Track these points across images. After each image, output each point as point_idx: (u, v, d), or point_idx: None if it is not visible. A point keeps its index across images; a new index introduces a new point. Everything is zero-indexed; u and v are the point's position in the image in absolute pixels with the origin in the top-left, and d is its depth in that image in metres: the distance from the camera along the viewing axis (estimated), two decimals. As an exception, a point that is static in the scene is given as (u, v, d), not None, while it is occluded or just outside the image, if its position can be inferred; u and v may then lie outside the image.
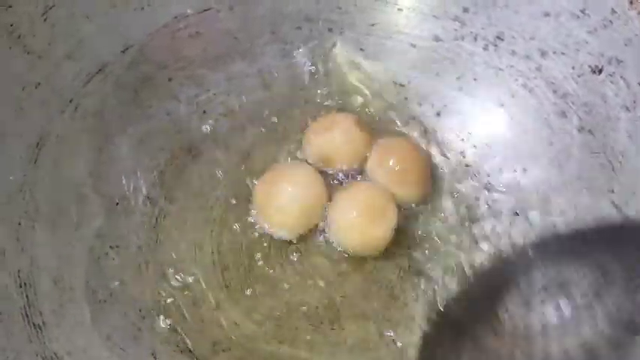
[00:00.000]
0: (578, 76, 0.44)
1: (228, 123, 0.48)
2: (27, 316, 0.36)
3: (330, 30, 0.49)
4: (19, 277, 0.37)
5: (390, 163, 0.45)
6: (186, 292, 0.42)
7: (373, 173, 0.46)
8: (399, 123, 0.49)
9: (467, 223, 0.46)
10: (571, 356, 0.32)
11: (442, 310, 0.41)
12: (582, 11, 0.44)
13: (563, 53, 0.45)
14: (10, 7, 0.39)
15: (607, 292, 0.34)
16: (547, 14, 0.45)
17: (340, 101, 0.49)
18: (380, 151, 0.46)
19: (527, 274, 0.39)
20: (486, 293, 0.40)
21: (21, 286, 0.37)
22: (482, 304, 0.39)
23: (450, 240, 0.45)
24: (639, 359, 0.31)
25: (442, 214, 0.46)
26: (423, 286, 0.43)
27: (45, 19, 0.41)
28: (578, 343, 0.32)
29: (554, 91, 0.45)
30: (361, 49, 0.50)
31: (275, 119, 0.49)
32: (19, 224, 0.38)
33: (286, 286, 0.43)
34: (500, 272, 0.40)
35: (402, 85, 0.50)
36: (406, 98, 0.49)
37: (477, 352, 0.35)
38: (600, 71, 0.43)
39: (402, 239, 0.44)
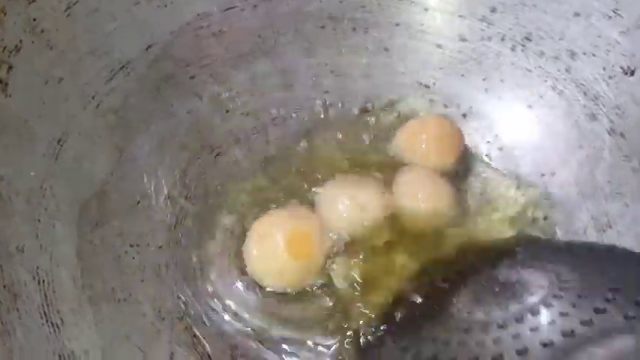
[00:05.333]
0: (609, 78, 0.43)
1: (250, 122, 0.47)
2: (45, 314, 0.36)
3: (354, 29, 0.49)
4: (37, 274, 0.37)
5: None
6: (205, 295, 0.41)
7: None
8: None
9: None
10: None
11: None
12: (614, 11, 0.43)
13: (593, 54, 0.44)
14: (34, 1, 0.39)
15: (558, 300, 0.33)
16: (577, 14, 0.44)
17: (364, 102, 0.48)
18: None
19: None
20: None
21: (39, 284, 0.36)
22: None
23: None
24: None
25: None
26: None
27: (68, 15, 0.40)
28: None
29: (584, 93, 0.44)
30: (385, 49, 0.49)
31: (298, 119, 0.48)
32: (39, 221, 0.38)
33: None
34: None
35: (427, 87, 0.49)
36: (431, 99, 0.49)
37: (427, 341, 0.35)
38: (632, 72, 0.42)
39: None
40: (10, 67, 0.38)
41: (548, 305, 0.33)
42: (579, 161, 0.44)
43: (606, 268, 0.36)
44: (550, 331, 0.31)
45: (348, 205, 0.42)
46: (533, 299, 0.34)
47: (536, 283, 0.35)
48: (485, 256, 0.40)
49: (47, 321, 0.36)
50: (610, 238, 0.42)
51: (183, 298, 0.41)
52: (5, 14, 0.37)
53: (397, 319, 0.38)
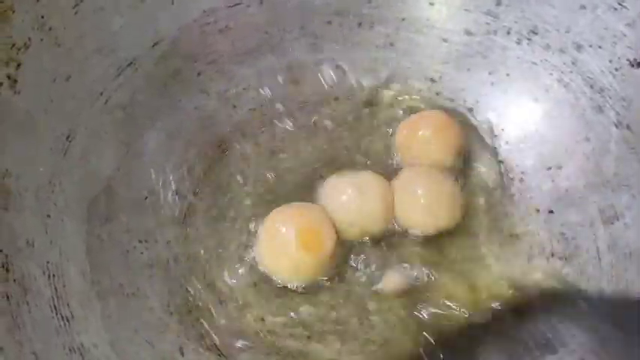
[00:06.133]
0: (616, 70, 0.43)
1: (257, 118, 0.47)
2: (55, 307, 0.36)
3: (359, 24, 0.49)
4: (47, 268, 0.37)
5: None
6: (213, 290, 0.42)
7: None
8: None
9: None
10: None
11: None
12: (620, 3, 0.43)
13: (599, 47, 0.44)
14: (42, -1, 0.39)
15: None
16: (583, 7, 0.44)
17: (370, 96, 0.48)
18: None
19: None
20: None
21: (49, 278, 0.37)
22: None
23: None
24: None
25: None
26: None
27: (76, 13, 0.41)
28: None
29: (591, 86, 0.44)
30: (391, 44, 0.49)
31: (304, 114, 0.48)
32: (49, 216, 0.38)
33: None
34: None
35: (433, 81, 0.49)
36: (437, 94, 0.49)
37: None
38: (639, 64, 0.42)
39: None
40: (19, 65, 0.38)
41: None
42: (586, 154, 0.44)
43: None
44: None
45: (352, 197, 0.42)
46: (570, 357, 0.33)
47: (575, 340, 0.34)
48: (516, 308, 0.39)
49: (57, 314, 0.36)
50: (617, 230, 0.41)
51: (191, 291, 0.41)
52: (14, 12, 0.38)
53: None
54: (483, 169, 0.47)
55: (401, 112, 0.48)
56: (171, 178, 0.44)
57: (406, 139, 0.46)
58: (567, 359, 0.35)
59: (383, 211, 0.42)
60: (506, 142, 0.47)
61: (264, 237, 0.42)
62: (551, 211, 0.44)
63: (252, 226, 0.44)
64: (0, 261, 0.35)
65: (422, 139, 0.45)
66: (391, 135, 0.47)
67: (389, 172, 0.45)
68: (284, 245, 0.40)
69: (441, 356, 0.37)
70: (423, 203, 0.43)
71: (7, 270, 0.35)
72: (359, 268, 0.42)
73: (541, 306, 0.39)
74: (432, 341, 0.38)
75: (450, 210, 0.43)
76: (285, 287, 0.42)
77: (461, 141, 0.45)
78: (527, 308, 0.39)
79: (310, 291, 0.42)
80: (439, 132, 0.45)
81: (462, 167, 0.46)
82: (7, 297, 0.34)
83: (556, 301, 0.38)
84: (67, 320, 0.36)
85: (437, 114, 0.46)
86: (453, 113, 0.47)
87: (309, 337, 0.40)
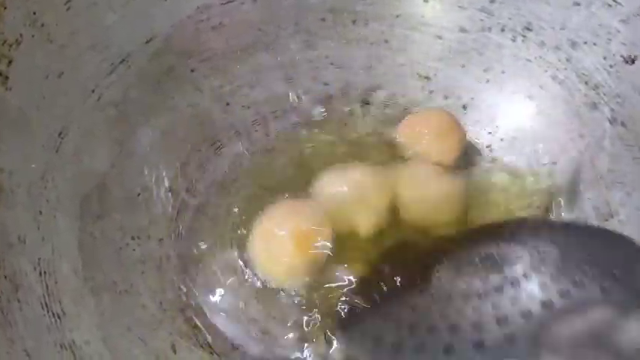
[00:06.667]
0: (610, 67, 0.43)
1: (251, 115, 0.47)
2: (46, 305, 0.36)
3: (354, 22, 0.49)
4: (39, 265, 0.37)
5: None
6: (206, 287, 0.41)
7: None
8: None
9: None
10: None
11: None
12: (614, 0, 0.42)
13: (594, 43, 0.44)
14: (34, -5, 0.39)
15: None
16: (577, 4, 0.44)
17: (365, 94, 0.48)
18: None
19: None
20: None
21: (41, 275, 0.37)
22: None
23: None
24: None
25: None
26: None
27: (68, 9, 0.41)
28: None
29: (585, 83, 0.44)
30: (386, 41, 0.49)
31: (299, 112, 0.48)
32: (40, 213, 0.38)
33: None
34: None
35: (427, 78, 0.49)
36: (431, 91, 0.49)
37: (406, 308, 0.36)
38: (633, 61, 0.42)
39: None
40: (11, 61, 0.38)
41: (527, 277, 0.35)
42: (580, 150, 0.44)
43: (584, 243, 0.38)
44: (529, 302, 0.33)
45: (347, 193, 0.42)
46: (512, 271, 0.35)
47: (516, 257, 0.36)
48: (468, 233, 0.42)
49: (48, 312, 0.36)
50: (612, 226, 0.41)
51: (184, 289, 0.41)
52: (5, 8, 0.38)
53: (379, 288, 0.39)
54: (478, 165, 0.46)
55: (395, 109, 0.48)
56: (164, 175, 0.44)
57: (407, 138, 0.45)
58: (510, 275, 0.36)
59: (379, 204, 0.42)
60: (501, 139, 0.47)
61: (257, 237, 0.41)
62: (546, 209, 0.44)
63: (245, 224, 0.43)
64: (-9, 257, 0.35)
65: (425, 138, 0.45)
66: (386, 132, 0.47)
67: (386, 169, 0.45)
68: (277, 247, 0.40)
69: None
70: (426, 201, 0.43)
71: (-1, 266, 0.35)
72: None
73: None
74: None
75: (451, 207, 0.43)
76: (277, 285, 0.41)
77: (463, 141, 0.45)
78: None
79: (304, 291, 0.41)
80: (443, 131, 0.45)
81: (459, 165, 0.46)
82: (-2, 294, 0.34)
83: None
84: (59, 317, 0.36)
85: (439, 113, 0.46)
86: (447, 110, 0.47)
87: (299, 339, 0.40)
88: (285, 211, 0.42)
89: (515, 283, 0.35)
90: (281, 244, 0.40)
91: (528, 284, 0.34)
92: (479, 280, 0.36)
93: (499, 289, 0.34)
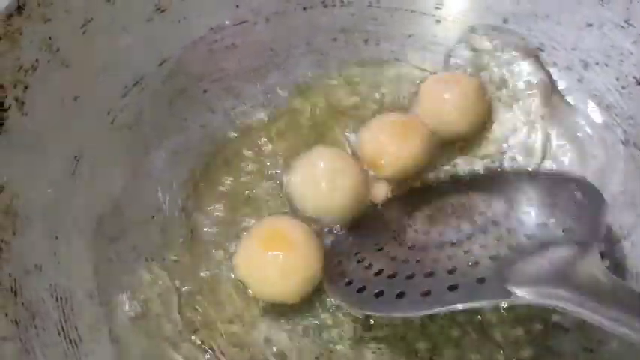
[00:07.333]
0: (622, 88, 0.43)
1: (263, 135, 0.47)
2: (63, 331, 0.36)
3: (365, 41, 0.49)
4: (55, 291, 0.37)
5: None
6: (221, 308, 0.42)
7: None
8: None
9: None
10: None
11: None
12: (626, 22, 0.43)
13: (606, 64, 0.44)
14: (50, 20, 0.39)
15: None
16: (590, 25, 0.44)
17: (377, 113, 0.48)
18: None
19: None
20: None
21: (57, 301, 0.37)
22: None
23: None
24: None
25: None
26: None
27: (84, 32, 0.41)
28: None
29: (598, 104, 0.44)
30: (397, 60, 0.49)
31: (311, 131, 0.48)
32: (57, 238, 0.38)
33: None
34: None
35: (439, 97, 0.49)
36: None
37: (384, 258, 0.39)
38: (646, 82, 0.42)
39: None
40: (27, 87, 0.38)
41: (495, 224, 0.38)
42: (593, 172, 0.44)
43: (548, 188, 0.40)
44: (497, 246, 0.36)
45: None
46: (482, 219, 0.38)
47: (485, 205, 0.40)
48: (440, 184, 0.45)
49: (65, 338, 0.36)
50: (625, 249, 0.41)
51: (200, 310, 0.41)
52: (21, 34, 0.38)
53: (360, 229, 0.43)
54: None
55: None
56: (177, 196, 0.44)
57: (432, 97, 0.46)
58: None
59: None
60: (512, 158, 0.47)
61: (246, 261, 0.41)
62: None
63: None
64: (9, 284, 0.35)
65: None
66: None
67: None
68: (266, 270, 0.39)
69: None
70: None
71: (16, 294, 0.35)
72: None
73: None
74: None
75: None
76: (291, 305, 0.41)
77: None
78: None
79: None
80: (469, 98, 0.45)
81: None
82: (16, 322, 0.34)
83: None
84: (76, 343, 0.36)
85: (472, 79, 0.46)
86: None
87: (317, 357, 0.40)
88: (269, 233, 0.41)
89: (484, 229, 0.37)
90: (267, 265, 0.39)
91: (497, 229, 0.37)
92: (452, 229, 0.39)
93: (470, 237, 0.37)
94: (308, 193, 0.42)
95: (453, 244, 0.37)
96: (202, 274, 0.43)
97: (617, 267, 0.41)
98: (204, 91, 0.47)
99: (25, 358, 0.34)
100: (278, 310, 0.41)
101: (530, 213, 0.38)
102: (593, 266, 0.32)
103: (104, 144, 0.42)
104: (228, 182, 0.46)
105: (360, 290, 0.37)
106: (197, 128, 0.46)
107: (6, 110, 0.37)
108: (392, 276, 0.36)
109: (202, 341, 0.40)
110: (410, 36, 0.48)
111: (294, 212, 0.43)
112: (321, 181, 0.41)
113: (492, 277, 0.33)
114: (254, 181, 0.46)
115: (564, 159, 0.45)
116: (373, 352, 0.40)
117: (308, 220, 0.42)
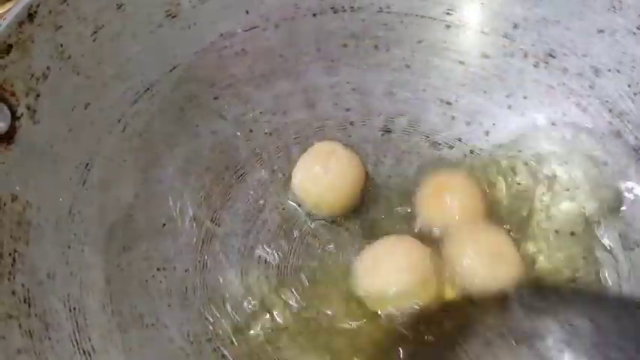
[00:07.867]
0: (635, 95, 0.43)
1: (273, 142, 0.47)
2: (77, 342, 0.36)
3: (376, 47, 0.48)
4: (68, 301, 0.37)
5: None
6: (233, 318, 0.41)
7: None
8: (446, 143, 0.48)
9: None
10: None
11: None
12: (639, 28, 0.42)
13: (618, 71, 0.44)
14: (61, 27, 0.39)
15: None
16: (601, 31, 0.44)
17: (386, 121, 0.48)
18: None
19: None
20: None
21: (70, 311, 0.37)
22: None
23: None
24: None
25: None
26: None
27: (94, 40, 0.41)
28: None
29: (609, 110, 0.44)
30: (407, 66, 0.49)
31: (320, 138, 0.48)
32: (69, 247, 0.38)
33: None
34: None
35: (449, 103, 0.49)
36: (453, 117, 0.48)
37: None
38: (658, 90, 0.42)
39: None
40: (38, 95, 0.38)
41: (560, 351, 0.34)
42: (604, 179, 0.44)
43: (618, 316, 0.36)
44: None
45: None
46: (544, 346, 0.35)
47: (547, 330, 0.36)
48: (493, 300, 0.40)
49: (79, 349, 0.36)
50: (637, 256, 0.41)
51: (211, 319, 0.41)
52: (33, 42, 0.38)
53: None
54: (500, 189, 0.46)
55: (418, 138, 0.48)
56: (188, 204, 0.44)
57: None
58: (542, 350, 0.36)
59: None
60: (525, 164, 0.47)
61: None
62: (572, 233, 0.44)
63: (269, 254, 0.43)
64: (22, 295, 0.35)
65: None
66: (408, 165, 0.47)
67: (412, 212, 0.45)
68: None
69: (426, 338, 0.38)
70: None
71: (29, 305, 0.35)
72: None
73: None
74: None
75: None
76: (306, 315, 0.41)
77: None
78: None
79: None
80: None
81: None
82: (30, 333, 0.34)
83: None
84: (89, 354, 0.36)
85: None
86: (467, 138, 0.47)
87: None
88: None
89: (546, 358, 0.34)
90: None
91: None
92: (508, 354, 0.35)
93: None
94: None
95: None
96: (213, 284, 0.42)
97: (631, 274, 0.41)
98: (215, 98, 0.46)
99: (40, 371, 0.34)
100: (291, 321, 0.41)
101: (599, 343, 0.35)
102: None
103: (115, 152, 0.42)
104: (239, 190, 0.46)
105: None
106: (207, 135, 0.46)
107: (18, 119, 0.37)
108: None
109: (214, 349, 0.40)
110: (420, 42, 0.48)
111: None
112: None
113: None
114: (265, 190, 0.46)
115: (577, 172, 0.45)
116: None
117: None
